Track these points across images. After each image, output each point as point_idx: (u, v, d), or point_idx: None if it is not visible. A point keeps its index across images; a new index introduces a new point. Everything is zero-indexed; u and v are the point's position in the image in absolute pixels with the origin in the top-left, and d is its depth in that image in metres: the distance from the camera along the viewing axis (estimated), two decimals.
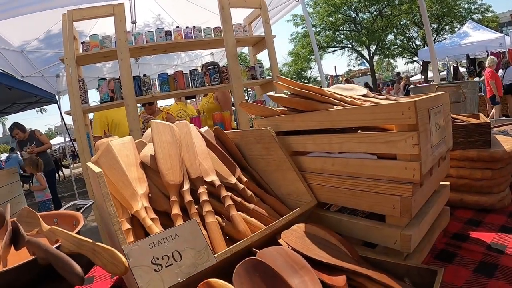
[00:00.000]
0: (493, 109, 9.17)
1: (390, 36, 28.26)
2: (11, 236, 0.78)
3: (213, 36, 3.39)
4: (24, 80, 6.14)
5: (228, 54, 3.28)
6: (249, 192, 0.93)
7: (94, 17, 3.15)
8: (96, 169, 0.73)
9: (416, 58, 26.55)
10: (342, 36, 29.08)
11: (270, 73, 3.63)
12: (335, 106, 0.90)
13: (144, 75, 3.23)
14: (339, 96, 0.95)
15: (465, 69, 15.87)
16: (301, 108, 0.98)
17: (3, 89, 5.90)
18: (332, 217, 0.94)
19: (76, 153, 12.98)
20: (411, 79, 14.58)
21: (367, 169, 0.83)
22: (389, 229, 0.80)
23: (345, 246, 0.76)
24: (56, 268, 0.62)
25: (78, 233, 0.80)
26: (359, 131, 0.87)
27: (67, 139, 10.11)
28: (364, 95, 1.06)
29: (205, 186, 0.87)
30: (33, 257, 0.68)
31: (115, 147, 0.87)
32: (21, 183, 6.32)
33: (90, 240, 0.65)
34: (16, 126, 6.20)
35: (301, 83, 1.01)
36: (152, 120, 0.97)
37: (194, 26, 3.41)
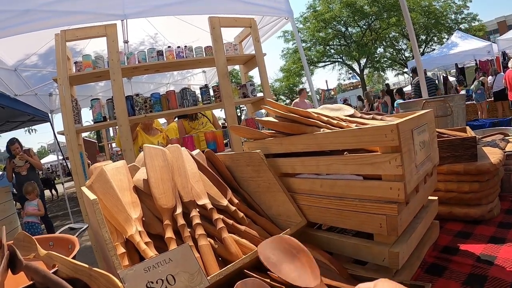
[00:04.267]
0: None
1: (380, 49, 28.78)
2: (8, 261, 0.78)
3: (204, 55, 3.43)
4: (18, 99, 6.13)
5: (219, 73, 3.32)
6: (241, 214, 0.95)
7: (86, 38, 3.19)
8: (91, 195, 0.75)
9: (406, 69, 26.92)
10: (332, 50, 29.50)
11: (262, 90, 3.67)
12: (322, 129, 0.93)
13: (137, 95, 3.26)
14: (325, 119, 0.98)
15: (454, 79, 16.09)
16: (289, 131, 1.01)
17: None
18: (322, 236, 0.96)
19: (69, 171, 12.91)
20: (404, 89, 14.72)
21: (354, 190, 0.86)
22: (377, 247, 0.82)
23: (334, 264, 0.78)
24: None
25: (74, 257, 0.81)
26: (345, 153, 0.90)
27: (60, 157, 10.05)
28: (351, 115, 1.09)
29: (197, 209, 0.89)
30: (31, 282, 0.69)
31: (108, 172, 0.89)
32: (14, 202, 6.27)
33: (87, 266, 0.66)
34: (17, 141, 6.15)
35: (288, 106, 1.04)
36: (144, 145, 0.99)
37: (185, 46, 3.45)
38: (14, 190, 6.70)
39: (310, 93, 6.65)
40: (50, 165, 21.50)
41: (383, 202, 0.80)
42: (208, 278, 0.69)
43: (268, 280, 0.70)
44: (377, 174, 0.80)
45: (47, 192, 12.75)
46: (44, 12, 3.33)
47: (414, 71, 9.54)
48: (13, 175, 6.11)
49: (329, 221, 0.94)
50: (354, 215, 0.86)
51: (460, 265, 0.92)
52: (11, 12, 3.27)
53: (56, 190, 16.27)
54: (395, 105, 11.57)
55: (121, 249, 0.76)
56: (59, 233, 1.07)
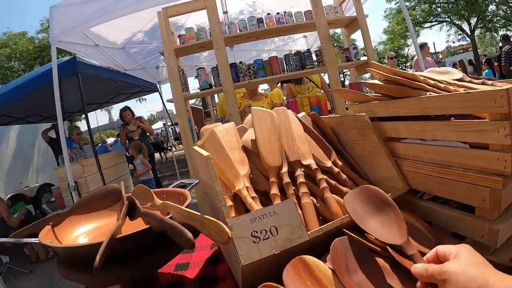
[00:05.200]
0: None
1: (492, 7, 25.12)
2: (128, 209, 0.90)
3: (304, 20, 3.41)
4: (127, 73, 6.73)
5: (321, 37, 3.29)
6: (344, 176, 0.96)
7: (187, 12, 3.37)
8: (205, 153, 0.82)
9: None
10: (439, 9, 26.59)
11: (366, 53, 3.55)
12: (428, 93, 0.89)
13: (240, 62, 3.39)
14: (432, 82, 0.94)
15: None
16: (394, 94, 0.99)
17: (110, 82, 6.59)
18: (423, 205, 0.93)
19: (177, 136, 14.00)
20: None
21: (458, 158, 0.81)
22: (478, 221, 0.78)
23: (431, 234, 0.77)
24: (170, 235, 0.73)
25: (186, 207, 0.91)
26: (452, 118, 0.85)
27: (169, 123, 10.88)
28: (460, 79, 1.02)
29: (302, 169, 0.92)
30: (148, 226, 0.80)
31: (218, 133, 0.97)
32: (127, 164, 7.03)
33: (199, 214, 0.75)
34: (129, 108, 6.79)
35: (395, 69, 1.01)
36: (252, 107, 1.05)
37: (285, 12, 3.45)
38: (127, 154, 7.42)
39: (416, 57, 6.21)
40: (161, 130, 23.46)
41: (488, 174, 0.74)
42: (308, 233, 0.73)
43: (365, 241, 0.72)
44: (484, 143, 0.75)
45: (156, 155, 14.02)
46: None
47: (505, 38, 8.37)
48: (126, 140, 6.76)
49: (431, 189, 0.91)
50: (456, 185, 0.81)
51: None
52: None
53: (164, 153, 17.81)
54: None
55: (229, 202, 0.84)
56: (172, 187, 1.19)
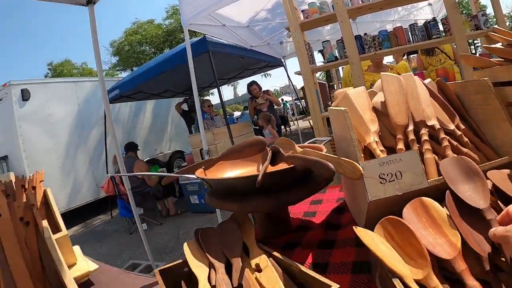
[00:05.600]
0: None
1: None
2: (271, 156, 1.10)
3: None
4: (253, 49, 7.13)
5: (447, 4, 3.12)
6: (465, 139, 1.02)
7: None
8: (341, 108, 0.98)
9: None
10: None
11: (496, 21, 3.29)
12: None
13: (365, 34, 3.40)
14: None
15: None
16: None
17: (237, 58, 7.09)
18: None
19: (302, 110, 14.34)
20: None
21: None
22: None
23: None
24: (313, 169, 0.90)
25: None
26: None
27: (294, 97, 11.17)
28: None
29: (426, 129, 1.01)
30: (291, 165, 0.97)
31: (351, 95, 1.11)
32: (254, 133, 7.61)
33: (335, 156, 0.90)
34: (256, 83, 7.30)
35: None
36: (382, 73, 1.16)
37: None
38: (253, 126, 7.95)
39: None
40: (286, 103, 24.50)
41: None
42: (428, 181, 0.84)
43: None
44: None
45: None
46: None
47: None
48: (254, 113, 7.24)
49: None
50: None
51: None
52: None
53: (289, 126, 18.47)
54: None
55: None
56: (308, 143, 1.36)
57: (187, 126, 8.87)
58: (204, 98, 13.02)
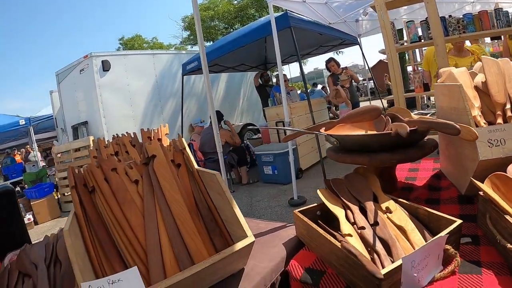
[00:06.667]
0: None
1: None
2: (391, 121, 1.30)
3: None
4: (331, 26, 7.17)
5: None
6: None
7: None
8: (456, 84, 1.14)
9: None
10: None
11: None
12: None
13: (450, 16, 3.40)
14: None
15: None
16: None
17: (315, 34, 7.21)
18: None
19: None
20: None
21: None
22: None
23: None
24: (436, 129, 1.08)
25: None
26: None
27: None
28: None
29: None
30: (414, 128, 1.13)
31: (456, 74, 1.27)
32: (327, 111, 7.80)
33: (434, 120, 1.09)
34: (333, 59, 7.40)
35: None
36: (482, 56, 1.30)
37: None
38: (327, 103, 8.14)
39: None
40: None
41: None
42: None
43: None
44: None
45: None
46: None
47: None
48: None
49: None
50: None
51: None
52: None
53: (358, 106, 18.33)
54: None
55: None
56: (414, 114, 1.50)
57: (261, 99, 9.18)
58: (274, 73, 13.24)
